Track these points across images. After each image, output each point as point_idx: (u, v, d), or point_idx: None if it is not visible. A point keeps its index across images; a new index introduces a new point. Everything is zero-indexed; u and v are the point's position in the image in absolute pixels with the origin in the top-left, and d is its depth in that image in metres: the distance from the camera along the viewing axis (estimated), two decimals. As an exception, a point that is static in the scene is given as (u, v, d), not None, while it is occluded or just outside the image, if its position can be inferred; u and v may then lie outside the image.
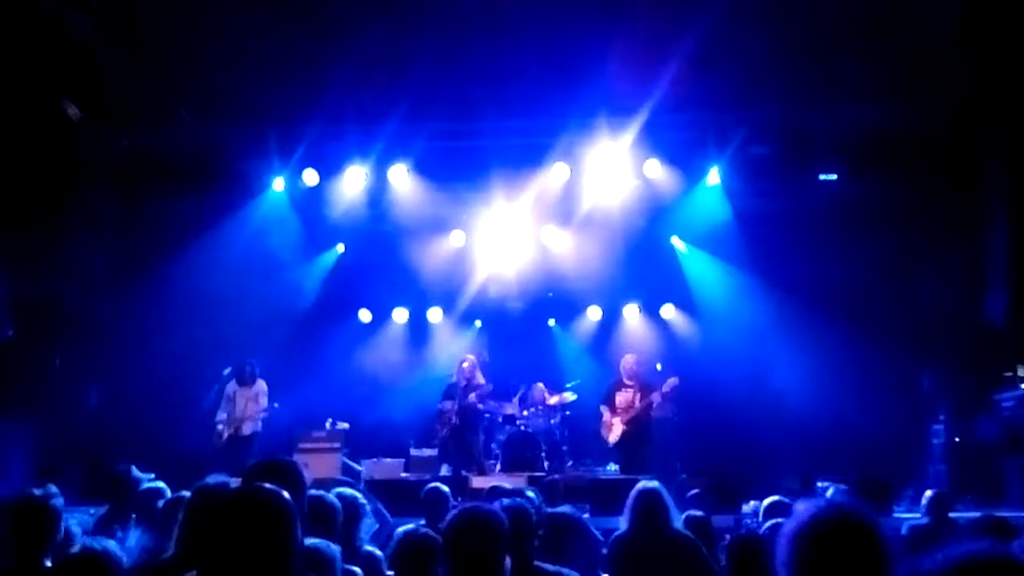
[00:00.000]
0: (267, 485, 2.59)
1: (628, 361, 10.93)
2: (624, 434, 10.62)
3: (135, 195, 12.07)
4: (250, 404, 10.99)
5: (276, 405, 11.13)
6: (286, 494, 2.58)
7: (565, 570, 3.87)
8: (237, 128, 11.73)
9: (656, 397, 10.57)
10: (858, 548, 2.12)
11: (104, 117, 11.28)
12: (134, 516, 5.13)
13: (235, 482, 4.04)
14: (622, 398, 10.75)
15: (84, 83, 10.67)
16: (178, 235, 12.52)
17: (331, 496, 4.21)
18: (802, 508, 2.20)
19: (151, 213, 12.29)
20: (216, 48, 9.90)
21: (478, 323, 13.48)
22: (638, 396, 10.67)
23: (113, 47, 10.19)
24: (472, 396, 10.93)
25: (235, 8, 9.56)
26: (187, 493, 4.64)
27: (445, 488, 6.07)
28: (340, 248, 13.24)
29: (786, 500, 5.66)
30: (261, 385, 11.17)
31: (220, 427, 10.91)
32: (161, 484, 5.58)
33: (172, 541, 4.22)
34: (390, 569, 4.29)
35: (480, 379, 10.88)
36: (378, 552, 4.75)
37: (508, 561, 3.11)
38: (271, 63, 10.24)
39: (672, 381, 10.53)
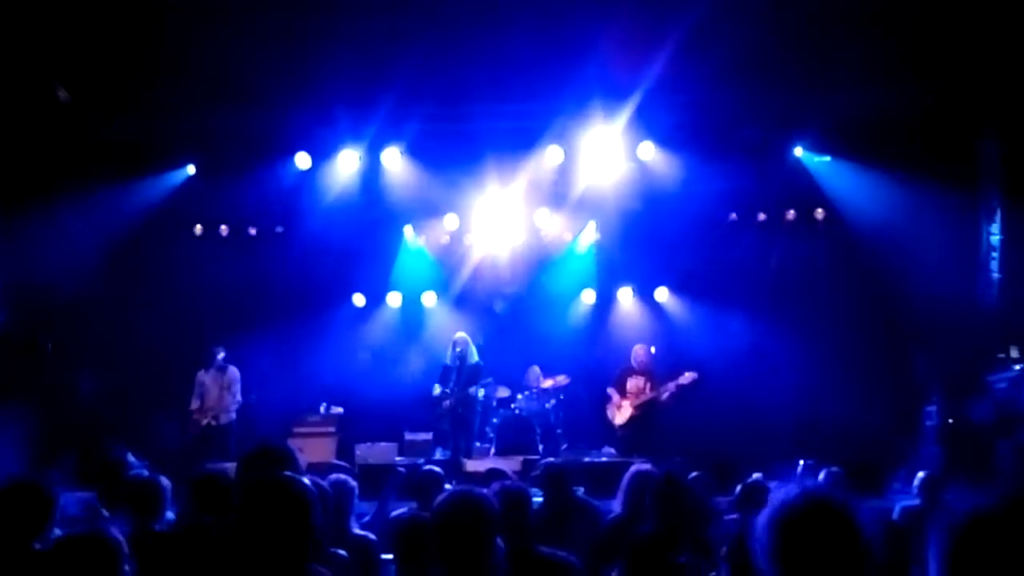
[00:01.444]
0: (302, 478, 2.88)
1: (640, 352, 11.20)
2: (632, 417, 10.87)
3: (127, 180, 11.99)
4: (224, 394, 10.90)
5: (254, 398, 11.03)
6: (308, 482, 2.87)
7: (562, 553, 3.85)
8: (228, 112, 11.64)
9: (672, 387, 10.75)
10: (833, 535, 2.09)
11: (95, 101, 11.19)
12: (123, 501, 5.12)
13: (231, 468, 4.05)
14: (633, 384, 11.05)
15: (75, 67, 10.59)
16: (169, 219, 12.48)
17: (320, 481, 4.20)
18: (779, 495, 2.16)
19: (142, 198, 12.23)
20: (207, 31, 9.81)
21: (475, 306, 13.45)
22: (648, 385, 10.96)
23: (104, 31, 10.10)
24: (481, 393, 11.15)
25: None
26: (163, 477, 4.66)
27: (439, 471, 6.06)
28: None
29: (766, 483, 5.66)
30: (234, 373, 11.05)
31: (195, 416, 10.86)
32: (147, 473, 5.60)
33: (157, 523, 4.25)
34: (388, 552, 4.29)
35: (473, 357, 10.91)
36: (371, 535, 4.76)
37: (501, 544, 3.10)
38: (263, 46, 10.16)
39: (691, 375, 10.68)
